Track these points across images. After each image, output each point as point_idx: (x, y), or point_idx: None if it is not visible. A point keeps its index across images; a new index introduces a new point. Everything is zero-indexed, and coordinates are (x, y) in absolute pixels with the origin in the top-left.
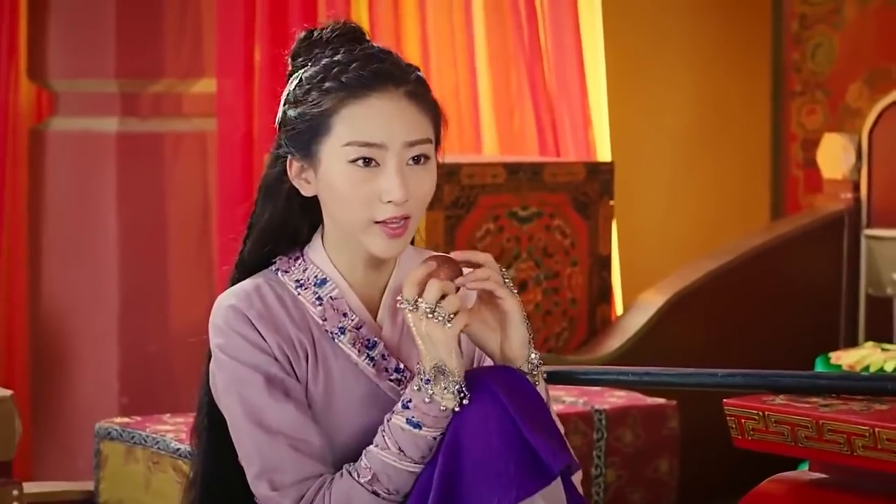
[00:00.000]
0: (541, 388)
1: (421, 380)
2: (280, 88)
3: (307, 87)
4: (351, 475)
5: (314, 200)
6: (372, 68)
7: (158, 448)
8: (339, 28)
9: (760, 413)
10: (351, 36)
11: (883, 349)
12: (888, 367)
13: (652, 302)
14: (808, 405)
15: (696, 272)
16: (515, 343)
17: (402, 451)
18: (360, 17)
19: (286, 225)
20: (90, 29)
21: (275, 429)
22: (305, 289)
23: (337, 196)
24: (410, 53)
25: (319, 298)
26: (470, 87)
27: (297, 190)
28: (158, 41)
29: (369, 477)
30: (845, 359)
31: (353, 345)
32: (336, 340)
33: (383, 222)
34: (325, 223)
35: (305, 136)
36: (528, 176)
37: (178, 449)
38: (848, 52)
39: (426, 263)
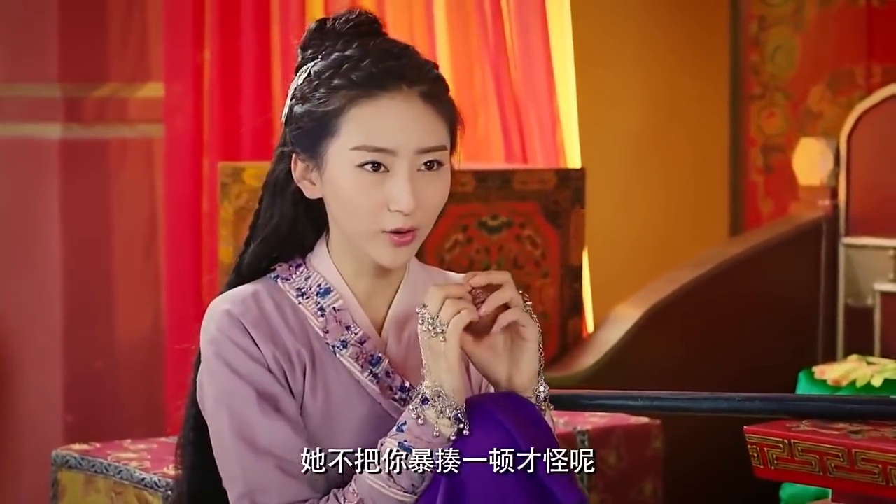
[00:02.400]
0: (547, 417)
1: (418, 400)
2: (229, 92)
3: (315, 82)
4: (337, 499)
5: (318, 204)
6: (385, 66)
7: (121, 477)
8: (353, 19)
9: (786, 441)
10: (366, 28)
11: (869, 363)
12: (876, 382)
13: (627, 316)
14: (836, 432)
15: (671, 284)
16: (526, 373)
17: (392, 476)
18: (316, 16)
19: (294, 229)
20: (31, 30)
21: (263, 447)
22: (307, 298)
23: (343, 201)
24: None
25: (322, 309)
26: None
27: (301, 191)
28: (103, 44)
29: (355, 503)
30: (830, 373)
31: (356, 360)
32: (337, 354)
33: (391, 233)
34: (331, 229)
35: (311, 136)
36: (498, 184)
37: (143, 479)
38: (809, 53)
39: (462, 286)
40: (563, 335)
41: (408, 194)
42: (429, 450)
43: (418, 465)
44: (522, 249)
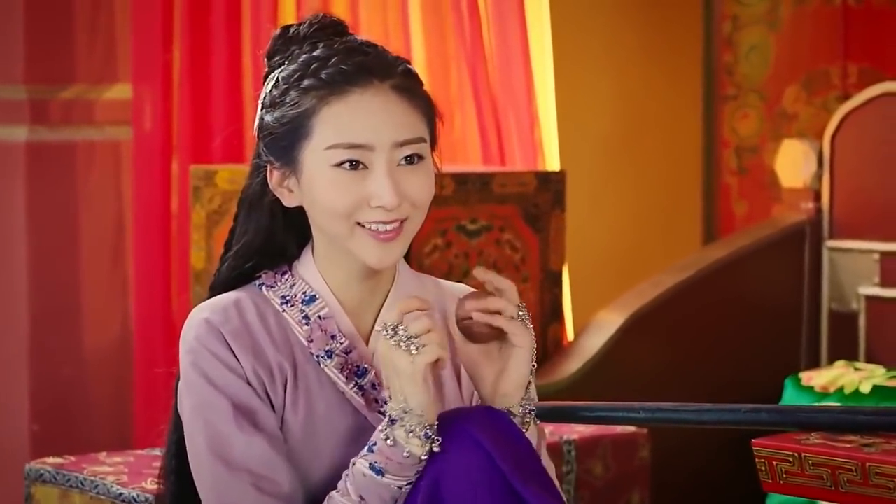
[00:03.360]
0: (531, 431)
1: (386, 420)
2: (199, 93)
3: (284, 87)
4: None
5: (301, 212)
6: (353, 61)
7: (98, 492)
8: (317, 22)
9: (796, 455)
10: (331, 30)
11: (856, 368)
12: (864, 389)
13: (609, 322)
14: (848, 445)
15: (654, 289)
16: (514, 381)
17: (364, 498)
18: (288, 15)
19: (271, 242)
20: None
21: (238, 463)
22: (292, 306)
23: (322, 204)
24: None
25: (306, 317)
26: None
27: (280, 202)
28: (69, 44)
29: None
30: (817, 380)
31: (341, 371)
32: (322, 365)
33: (368, 225)
34: (315, 236)
35: (285, 141)
36: (477, 187)
37: (121, 493)
38: (784, 54)
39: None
40: (543, 342)
41: (389, 189)
42: (401, 472)
43: (389, 486)
44: (502, 254)
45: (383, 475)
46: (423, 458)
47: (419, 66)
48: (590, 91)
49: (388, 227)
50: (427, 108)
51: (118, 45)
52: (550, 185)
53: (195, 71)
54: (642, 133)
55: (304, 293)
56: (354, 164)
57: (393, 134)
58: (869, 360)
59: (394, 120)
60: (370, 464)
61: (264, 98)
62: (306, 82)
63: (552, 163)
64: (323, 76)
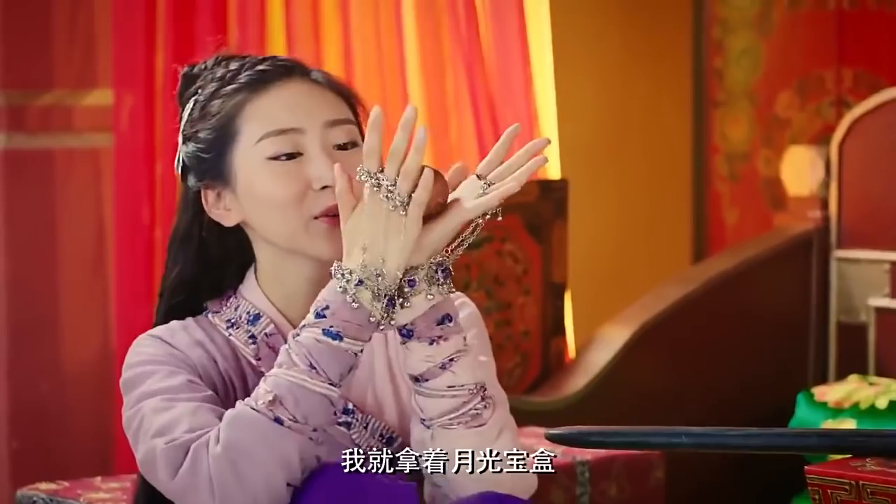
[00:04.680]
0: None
1: (347, 280)
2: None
3: (204, 102)
4: (246, 405)
5: (237, 238)
6: (272, 63)
7: None
8: (221, 55)
9: (853, 483)
10: (238, 56)
11: (870, 383)
12: (880, 404)
13: (615, 336)
14: None
15: (660, 302)
16: (435, 234)
17: (315, 367)
18: (275, 18)
19: (205, 274)
20: None
21: (180, 397)
22: (237, 328)
23: (263, 204)
24: (331, 58)
25: (252, 337)
26: (400, 94)
27: (211, 233)
28: (47, 48)
29: (269, 399)
30: (831, 395)
31: None
32: None
33: (324, 215)
34: (257, 254)
35: (212, 153)
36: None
37: None
38: (776, 58)
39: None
40: (545, 356)
41: (328, 167)
42: (360, 335)
43: (347, 352)
44: (503, 266)
45: (342, 339)
46: (382, 327)
47: (413, 69)
48: (574, 96)
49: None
50: (348, 96)
51: (98, 48)
52: (552, 194)
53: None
54: (629, 140)
55: (248, 313)
56: (290, 156)
57: (321, 114)
58: (879, 374)
59: (319, 103)
60: (324, 329)
61: (184, 130)
62: (226, 89)
63: (553, 170)
64: (243, 79)
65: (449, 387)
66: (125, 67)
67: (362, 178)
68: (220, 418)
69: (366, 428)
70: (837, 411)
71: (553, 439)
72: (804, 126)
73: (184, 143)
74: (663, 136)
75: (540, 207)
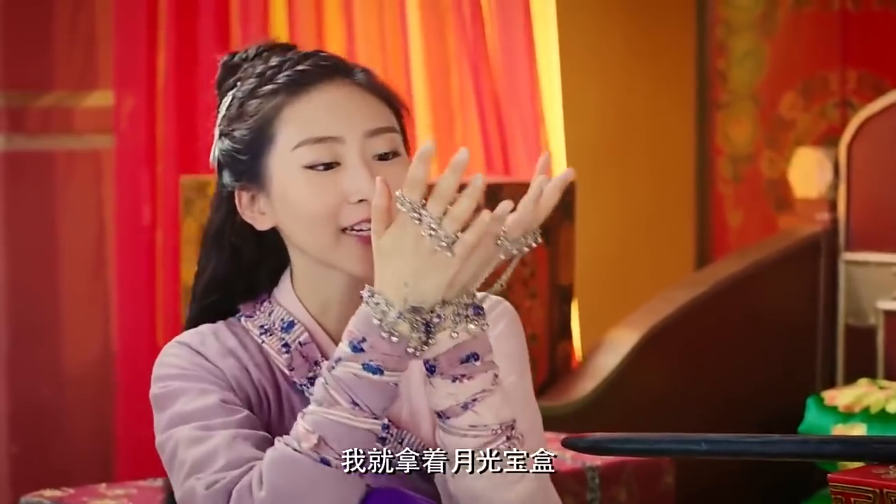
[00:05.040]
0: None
1: (384, 312)
2: (186, 101)
3: (241, 101)
4: (288, 445)
5: (272, 240)
6: (312, 62)
7: None
8: (264, 44)
9: (876, 491)
10: (280, 47)
11: (881, 387)
12: (891, 408)
13: (623, 340)
14: None
15: (668, 306)
16: (470, 274)
17: (358, 404)
18: (278, 18)
19: (237, 275)
20: None
21: (215, 424)
22: (271, 335)
23: (296, 213)
24: None
25: (286, 345)
26: (404, 94)
27: (245, 235)
28: (47, 48)
29: (315, 442)
30: (841, 399)
31: None
32: (306, 393)
33: (353, 228)
34: (292, 258)
35: (248, 156)
36: (486, 198)
37: None
38: (780, 59)
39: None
40: (552, 359)
41: (366, 179)
42: (399, 367)
43: (388, 384)
44: None
45: (382, 373)
46: (417, 354)
47: (417, 68)
48: (577, 98)
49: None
50: (392, 101)
51: (98, 49)
52: (560, 197)
53: (181, 77)
54: (632, 141)
55: (282, 320)
56: (328, 165)
57: (362, 122)
58: (887, 377)
59: (360, 109)
60: (364, 364)
61: (220, 122)
62: (264, 89)
63: (559, 171)
64: (282, 79)
65: (471, 426)
66: (126, 68)
67: (402, 207)
68: (258, 445)
69: (401, 443)
70: (848, 415)
71: (570, 446)
72: (808, 127)
73: (220, 137)
74: (666, 137)
75: None
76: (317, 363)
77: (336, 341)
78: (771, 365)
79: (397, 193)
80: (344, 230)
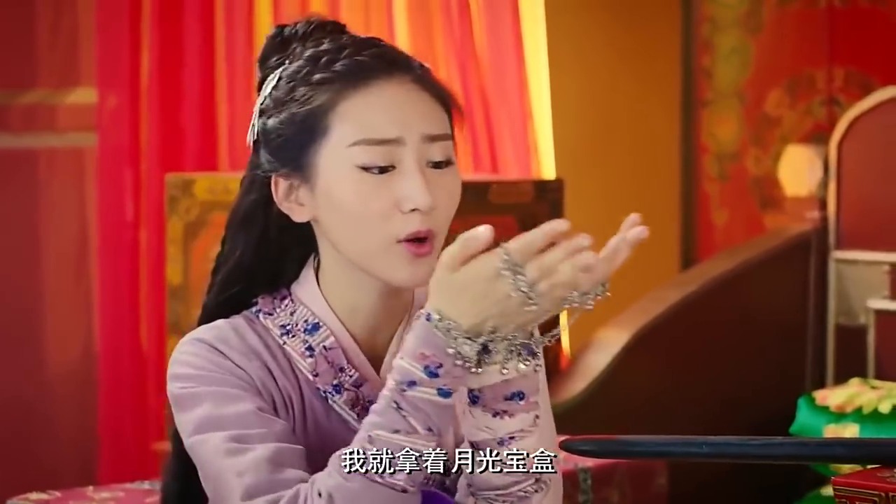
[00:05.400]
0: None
1: (455, 338)
2: (170, 98)
3: (290, 84)
4: (366, 476)
5: (301, 230)
6: (370, 53)
7: None
8: (314, 22)
9: (882, 494)
10: (331, 27)
11: (873, 387)
12: (883, 409)
13: (613, 339)
14: None
15: (658, 305)
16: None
17: (432, 429)
18: (263, 18)
19: (264, 264)
20: None
21: (253, 435)
22: (293, 336)
23: (344, 214)
24: None
25: (310, 348)
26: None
27: (276, 220)
28: (29, 46)
29: (404, 472)
30: (832, 399)
31: (352, 407)
32: (330, 401)
33: (408, 240)
34: (322, 254)
35: (294, 144)
36: (474, 197)
37: None
38: (766, 57)
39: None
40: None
41: (422, 189)
42: (460, 387)
43: (452, 407)
44: None
45: (450, 396)
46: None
47: None
48: (561, 96)
49: (425, 241)
50: (447, 103)
51: (81, 45)
52: (548, 195)
53: (165, 74)
54: (616, 139)
55: (307, 321)
56: (383, 169)
57: (421, 126)
58: (878, 377)
59: (421, 112)
60: (439, 389)
61: (264, 102)
62: (318, 76)
63: (547, 170)
64: (338, 68)
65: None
66: (109, 66)
67: (502, 264)
68: (300, 462)
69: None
70: (840, 415)
71: (568, 449)
72: (794, 125)
73: (260, 116)
74: (651, 135)
75: (535, 208)
76: (341, 369)
77: (362, 347)
78: (761, 364)
79: (502, 253)
80: (398, 241)
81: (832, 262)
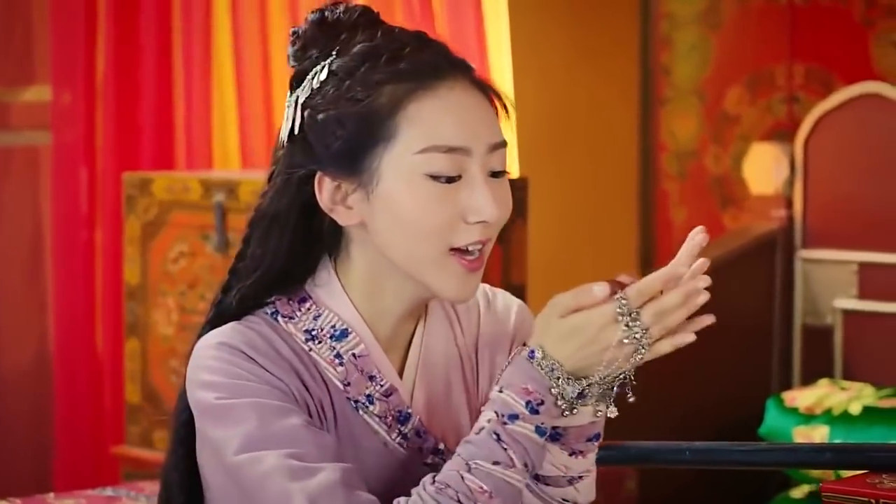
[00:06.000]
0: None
1: (558, 379)
2: (126, 96)
3: (344, 80)
4: (460, 502)
5: (325, 229)
6: (432, 51)
7: None
8: (356, 9)
9: (872, 501)
10: (372, 17)
11: (842, 388)
12: (853, 410)
13: None
14: None
15: None
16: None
17: (528, 465)
18: (221, 18)
19: (293, 267)
20: None
21: (309, 454)
22: (319, 342)
23: (403, 221)
24: (279, 57)
25: (339, 356)
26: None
27: (311, 221)
28: None
29: (484, 500)
30: (801, 400)
31: (384, 418)
32: (361, 412)
33: (462, 250)
34: (356, 257)
35: (353, 147)
36: None
37: None
38: (726, 54)
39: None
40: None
41: (491, 201)
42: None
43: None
44: None
45: (545, 434)
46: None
47: None
48: (517, 94)
49: (477, 254)
50: (497, 107)
51: (36, 43)
52: (513, 193)
53: (121, 72)
54: (574, 138)
55: (334, 327)
56: (450, 178)
57: (487, 135)
58: (846, 378)
59: (486, 119)
60: (537, 427)
61: (312, 94)
62: (378, 75)
63: (512, 168)
64: (402, 67)
65: (564, 500)
66: (64, 63)
67: (617, 311)
68: (357, 482)
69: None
70: (809, 417)
71: None
72: (755, 123)
73: (308, 108)
74: (610, 133)
75: None
76: (372, 378)
77: (387, 351)
78: (726, 365)
79: (620, 301)
80: (452, 250)
81: (798, 262)
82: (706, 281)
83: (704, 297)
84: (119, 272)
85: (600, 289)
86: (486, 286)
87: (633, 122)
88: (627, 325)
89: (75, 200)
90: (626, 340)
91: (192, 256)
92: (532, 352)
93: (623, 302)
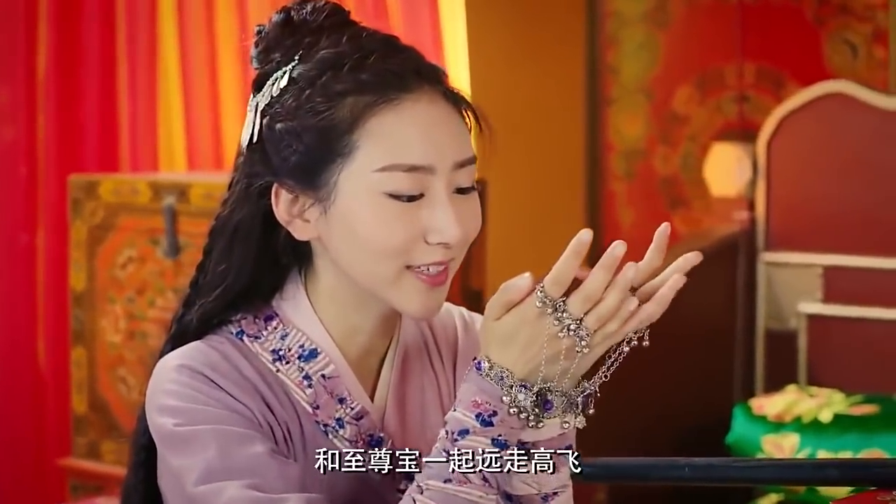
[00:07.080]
0: None
1: (510, 387)
2: (68, 97)
3: (305, 89)
4: None
5: (291, 242)
6: (398, 60)
7: None
8: (324, 9)
9: None
10: (340, 18)
11: (811, 395)
12: (824, 418)
13: None
14: None
15: None
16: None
17: (488, 480)
18: (167, 17)
19: (263, 280)
20: None
21: (273, 486)
22: (287, 363)
23: (361, 239)
24: (227, 58)
25: (307, 377)
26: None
27: (271, 233)
28: None
29: None
30: (770, 408)
31: (355, 443)
32: (331, 436)
33: (420, 268)
34: (320, 273)
35: (311, 160)
36: None
37: None
38: (674, 52)
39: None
40: None
41: (454, 222)
42: (515, 438)
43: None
44: None
45: (507, 447)
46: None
47: None
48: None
49: (440, 268)
50: (468, 119)
51: None
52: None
53: (63, 70)
54: (519, 138)
55: (302, 346)
56: (412, 198)
57: (453, 152)
58: (810, 384)
59: (453, 134)
60: (493, 439)
61: (272, 101)
62: (339, 86)
63: None
64: (364, 78)
65: None
66: (3, 64)
67: (541, 304)
68: None
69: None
70: (779, 425)
71: None
72: (704, 122)
73: (266, 117)
74: (556, 133)
75: None
76: (342, 401)
77: (357, 372)
78: (688, 372)
79: (538, 293)
80: (409, 267)
81: (761, 265)
82: (632, 267)
83: (631, 268)
84: (64, 278)
85: (524, 280)
86: (465, 311)
87: (579, 121)
88: (557, 316)
89: (14, 203)
90: (560, 334)
91: (141, 261)
92: (479, 363)
93: (541, 294)
